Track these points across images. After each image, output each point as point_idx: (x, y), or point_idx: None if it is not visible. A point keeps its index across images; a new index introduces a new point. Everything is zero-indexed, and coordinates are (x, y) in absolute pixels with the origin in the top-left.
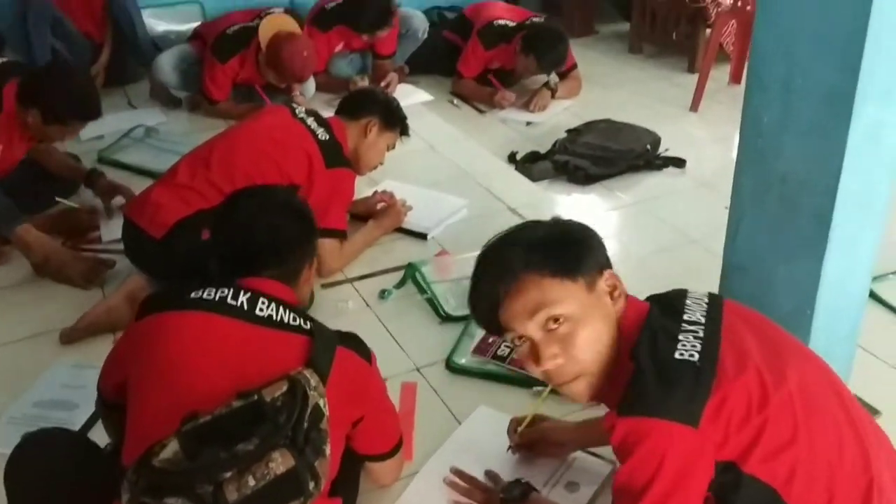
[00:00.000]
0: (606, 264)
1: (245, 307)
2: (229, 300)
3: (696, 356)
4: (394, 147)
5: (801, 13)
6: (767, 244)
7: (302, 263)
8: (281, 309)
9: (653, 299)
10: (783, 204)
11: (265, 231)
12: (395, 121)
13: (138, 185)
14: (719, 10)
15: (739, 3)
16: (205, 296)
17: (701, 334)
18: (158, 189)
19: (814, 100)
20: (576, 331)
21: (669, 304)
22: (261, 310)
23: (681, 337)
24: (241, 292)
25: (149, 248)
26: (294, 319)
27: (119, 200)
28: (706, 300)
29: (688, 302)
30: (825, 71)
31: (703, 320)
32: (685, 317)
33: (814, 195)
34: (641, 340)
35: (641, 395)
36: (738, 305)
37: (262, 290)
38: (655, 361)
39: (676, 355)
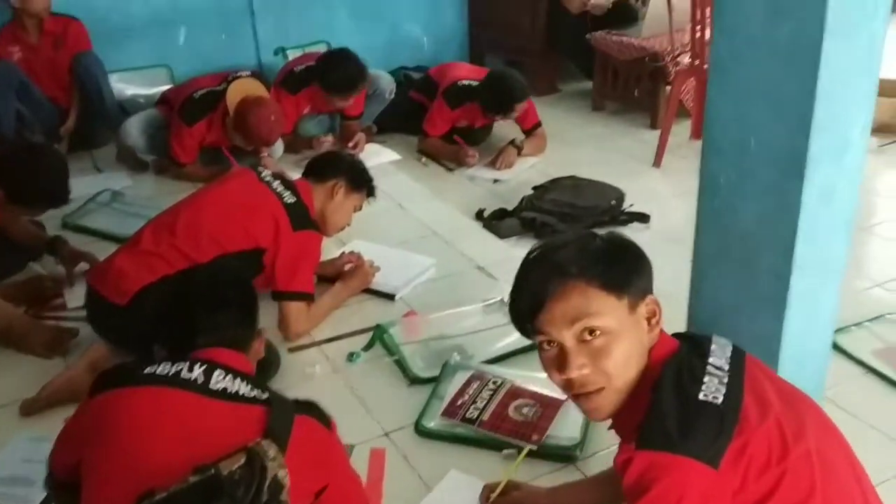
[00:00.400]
0: (650, 289)
1: (200, 380)
2: (184, 374)
3: (720, 399)
4: (361, 208)
5: (752, 79)
6: (730, 302)
7: (249, 335)
8: (237, 380)
9: (681, 337)
10: (743, 263)
11: (207, 314)
12: (361, 182)
13: (103, 251)
14: (678, 69)
15: (696, 63)
16: (159, 371)
17: (725, 379)
18: (122, 256)
19: (768, 162)
20: (609, 346)
21: (696, 346)
22: (216, 382)
23: (706, 379)
24: (197, 365)
25: (112, 316)
26: (251, 390)
27: (83, 267)
28: (730, 348)
29: (713, 347)
30: (778, 135)
31: (726, 367)
32: (710, 360)
33: (772, 255)
34: (666, 375)
35: (664, 431)
36: (757, 360)
37: (217, 360)
38: (679, 399)
39: (700, 396)
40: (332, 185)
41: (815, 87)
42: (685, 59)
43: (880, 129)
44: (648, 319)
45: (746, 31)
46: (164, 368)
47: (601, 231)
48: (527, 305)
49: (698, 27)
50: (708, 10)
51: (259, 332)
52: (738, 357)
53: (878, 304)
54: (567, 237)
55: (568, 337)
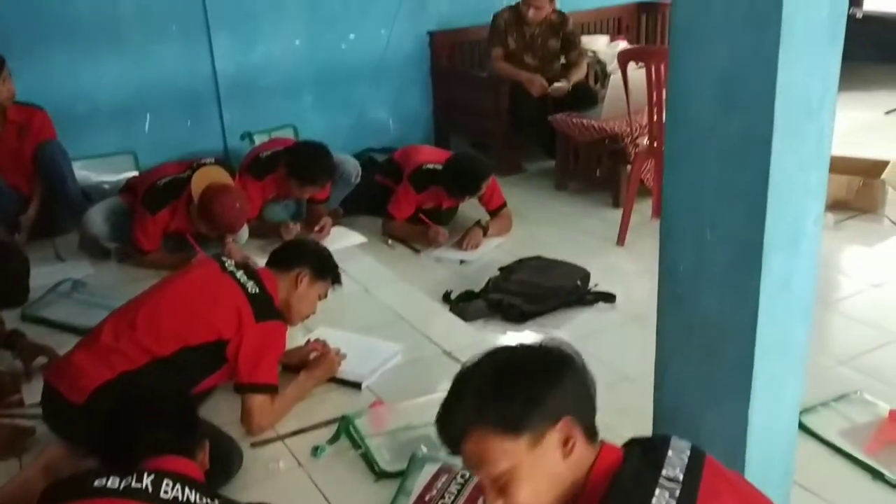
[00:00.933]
0: (565, 409)
1: (150, 490)
2: (133, 485)
3: None
4: (326, 296)
5: (706, 171)
6: (694, 389)
7: (192, 447)
8: (187, 489)
9: (634, 445)
10: (706, 350)
11: (147, 431)
12: (326, 270)
13: (64, 343)
14: (637, 150)
15: (655, 144)
16: (108, 484)
17: (677, 492)
18: (80, 352)
19: (725, 251)
20: (513, 487)
21: (649, 454)
22: (165, 492)
23: (656, 492)
24: (145, 474)
25: (69, 415)
26: (200, 498)
27: (41, 361)
28: (688, 454)
29: (669, 454)
30: (733, 224)
31: (681, 477)
32: (664, 472)
33: (734, 342)
34: (612, 491)
35: None
36: (719, 464)
37: (166, 468)
38: None
39: None
40: (297, 274)
41: (766, 181)
42: (644, 141)
43: (836, 205)
44: (564, 444)
45: (699, 125)
46: (113, 481)
47: (569, 308)
48: (444, 443)
49: (655, 110)
50: (664, 94)
51: (203, 444)
52: (696, 463)
53: (842, 383)
54: (475, 364)
55: (481, 475)
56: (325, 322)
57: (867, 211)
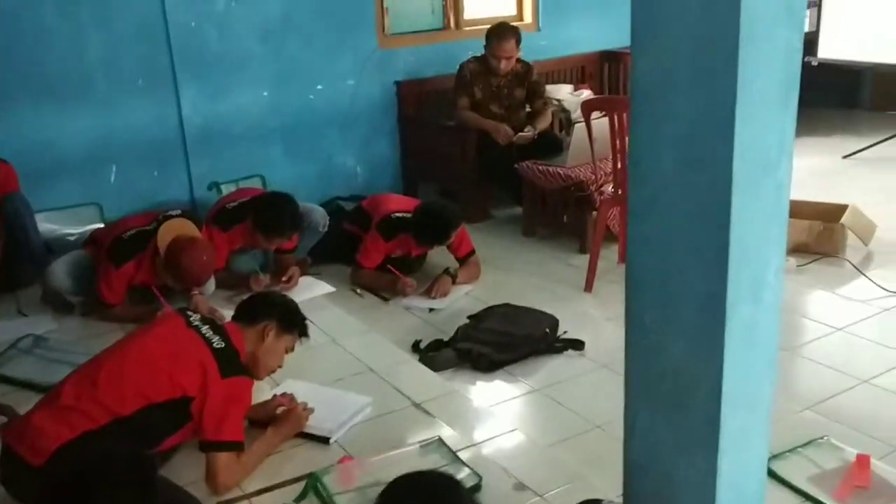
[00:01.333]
0: None
1: None
2: None
3: None
4: (293, 349)
5: (668, 224)
6: (664, 439)
7: None
8: None
9: None
10: (674, 401)
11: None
12: (293, 323)
13: (25, 401)
14: (602, 197)
15: (620, 192)
16: None
17: None
18: (41, 411)
19: (690, 303)
20: None
21: None
22: None
23: None
24: None
25: (28, 477)
26: None
27: (1, 420)
28: None
29: None
30: (696, 276)
31: None
32: None
33: (701, 395)
34: None
35: None
36: None
37: None
38: None
39: None
40: (263, 328)
41: (727, 235)
42: (609, 188)
43: (798, 249)
44: None
45: (660, 179)
46: None
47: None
48: None
49: (619, 158)
50: (627, 143)
51: None
52: None
53: (810, 428)
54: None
55: None
56: (292, 375)
57: (829, 255)
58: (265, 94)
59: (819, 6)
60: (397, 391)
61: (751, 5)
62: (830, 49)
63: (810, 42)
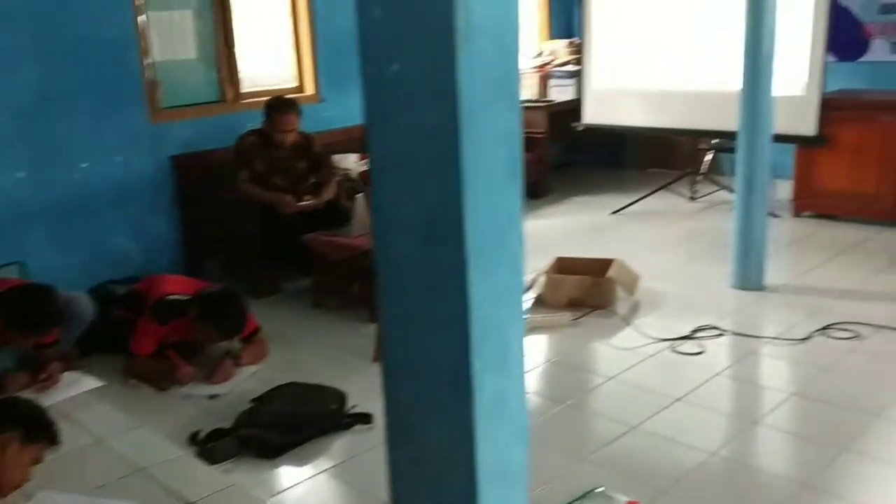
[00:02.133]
0: None
1: None
2: None
3: None
4: (41, 460)
5: (414, 302)
6: None
7: None
8: None
9: None
10: (434, 481)
11: None
12: (38, 432)
13: None
14: None
15: None
16: None
17: None
18: None
19: (440, 380)
20: None
21: None
22: None
23: None
24: None
25: None
26: None
27: None
28: None
29: None
30: (444, 352)
31: None
32: None
33: (457, 470)
34: None
35: None
36: None
37: None
38: None
39: None
40: (4, 440)
41: (467, 310)
42: None
43: (572, 304)
44: None
45: (403, 259)
46: None
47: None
48: None
49: None
50: None
51: None
52: None
53: (587, 479)
54: None
55: None
56: (49, 485)
57: (600, 307)
58: (21, 175)
59: (580, 77)
60: (169, 492)
61: (469, 94)
62: (595, 115)
63: (574, 110)
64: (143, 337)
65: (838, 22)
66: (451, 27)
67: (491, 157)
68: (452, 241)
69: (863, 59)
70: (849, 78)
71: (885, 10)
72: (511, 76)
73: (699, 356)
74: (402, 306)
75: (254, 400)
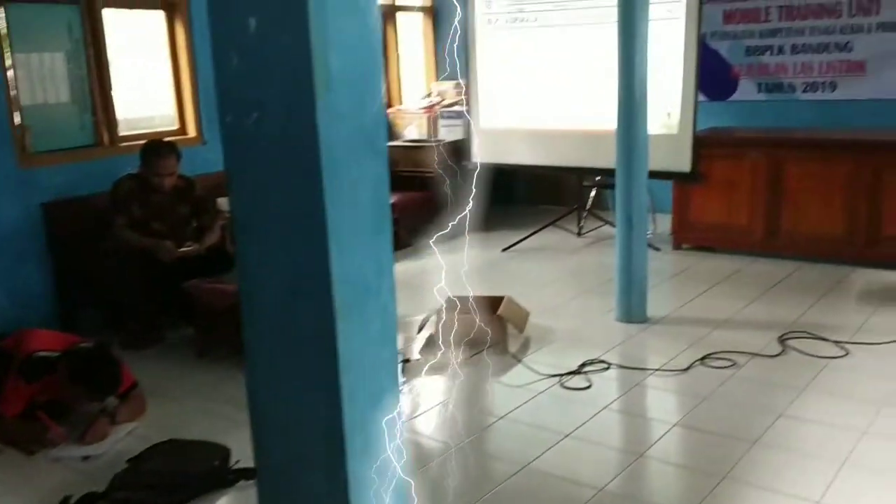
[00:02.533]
0: None
1: None
2: None
3: None
4: None
5: (281, 358)
6: None
7: None
8: None
9: None
10: None
11: None
12: None
13: None
14: None
15: None
16: None
17: None
18: None
19: (313, 433)
20: None
21: None
22: None
23: None
24: None
25: None
26: None
27: None
28: None
29: None
30: (315, 410)
31: None
32: None
33: None
34: None
35: None
36: None
37: None
38: None
39: None
40: None
41: (336, 363)
42: None
43: (464, 343)
44: None
45: (270, 311)
46: None
47: None
48: None
49: None
50: None
51: None
52: None
53: None
54: None
55: None
56: None
57: (493, 345)
58: None
59: (468, 117)
60: None
61: (331, 143)
62: (485, 153)
63: (463, 149)
64: (11, 396)
65: (708, 64)
66: (310, 76)
67: (356, 206)
68: (320, 294)
69: (732, 98)
70: (719, 117)
71: (750, 52)
72: (375, 123)
73: (587, 391)
74: (271, 361)
75: (130, 460)
